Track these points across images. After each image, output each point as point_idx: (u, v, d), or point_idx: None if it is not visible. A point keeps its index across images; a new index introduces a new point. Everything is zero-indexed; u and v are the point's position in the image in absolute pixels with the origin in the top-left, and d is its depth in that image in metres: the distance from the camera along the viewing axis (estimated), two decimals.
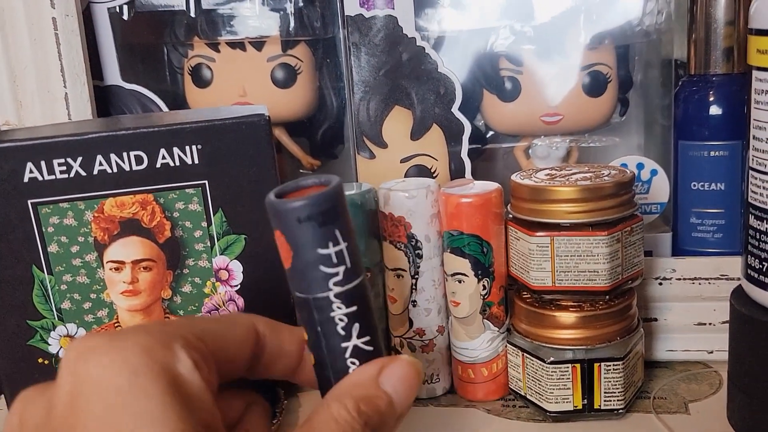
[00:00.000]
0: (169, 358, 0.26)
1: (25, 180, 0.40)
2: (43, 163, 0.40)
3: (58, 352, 0.44)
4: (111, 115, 0.56)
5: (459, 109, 0.53)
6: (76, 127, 0.45)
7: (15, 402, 0.27)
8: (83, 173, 0.41)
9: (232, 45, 0.56)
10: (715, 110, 0.49)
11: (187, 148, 0.41)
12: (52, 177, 0.41)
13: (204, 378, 0.26)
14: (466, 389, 0.47)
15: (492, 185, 0.44)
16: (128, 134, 0.41)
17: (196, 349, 0.27)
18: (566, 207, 0.41)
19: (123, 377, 0.24)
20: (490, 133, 0.57)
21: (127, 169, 0.41)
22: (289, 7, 0.55)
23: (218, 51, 0.56)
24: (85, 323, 0.43)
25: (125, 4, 0.55)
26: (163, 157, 0.41)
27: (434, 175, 0.54)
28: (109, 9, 0.55)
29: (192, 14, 0.55)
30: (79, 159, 0.41)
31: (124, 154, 0.41)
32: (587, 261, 0.41)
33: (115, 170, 0.41)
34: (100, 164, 0.41)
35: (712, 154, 0.50)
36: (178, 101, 0.58)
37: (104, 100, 0.56)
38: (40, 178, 0.40)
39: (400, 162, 0.54)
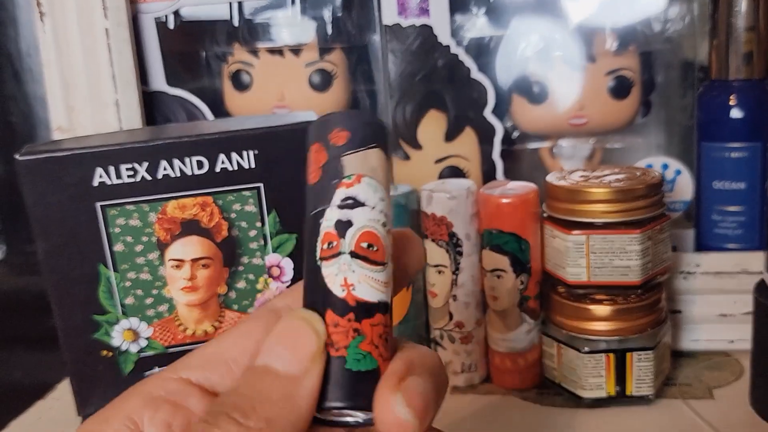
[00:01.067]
0: None
1: (95, 184, 0.43)
2: (111, 168, 0.43)
3: (120, 345, 0.46)
4: (156, 119, 0.59)
5: (492, 112, 0.55)
6: (130, 135, 0.48)
7: None
8: (149, 177, 0.43)
9: (271, 51, 0.58)
10: (735, 114, 0.52)
11: (245, 153, 0.44)
12: (120, 181, 0.43)
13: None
14: (503, 378, 0.49)
15: (529, 186, 0.47)
16: (191, 141, 0.43)
17: (170, 405, 0.25)
18: (601, 207, 0.43)
19: None
20: (516, 133, 0.60)
21: (189, 173, 0.44)
22: (327, 16, 0.58)
23: (258, 57, 0.59)
24: (147, 317, 0.46)
25: (171, 13, 0.57)
26: (222, 162, 0.44)
27: (466, 175, 0.56)
28: (155, 19, 0.57)
29: (234, 23, 0.58)
30: (145, 164, 0.43)
31: (187, 160, 0.43)
32: (621, 257, 0.44)
33: (178, 174, 0.44)
34: (165, 169, 0.43)
35: (733, 155, 0.52)
36: (217, 105, 0.60)
37: (150, 104, 0.58)
38: (109, 182, 0.43)
39: (435, 163, 0.56)
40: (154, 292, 0.46)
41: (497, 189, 0.47)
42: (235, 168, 0.44)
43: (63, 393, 0.52)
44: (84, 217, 0.44)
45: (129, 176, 0.43)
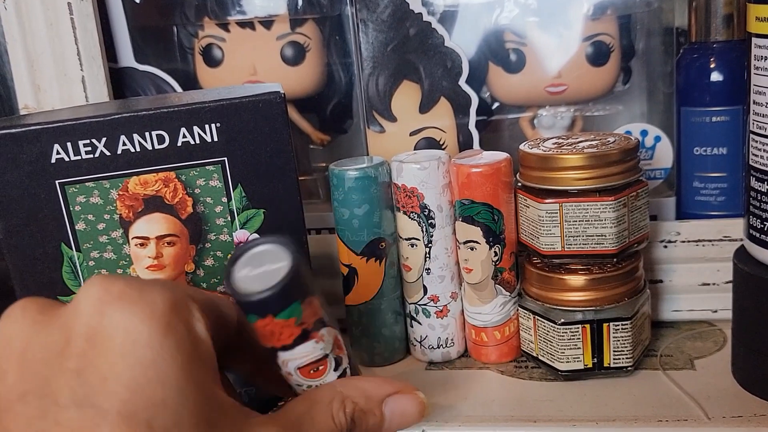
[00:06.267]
0: (190, 318, 0.27)
1: (53, 161, 0.42)
2: (69, 144, 0.42)
3: None
4: (126, 96, 0.58)
5: (466, 81, 0.54)
6: (96, 109, 0.47)
7: (14, 313, 0.27)
8: (108, 153, 0.42)
9: (242, 24, 0.57)
10: (716, 77, 0.51)
11: (207, 126, 0.43)
12: (78, 157, 0.42)
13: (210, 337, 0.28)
14: (479, 352, 0.48)
15: (501, 155, 0.46)
16: (150, 114, 0.42)
17: (202, 310, 0.28)
18: (574, 174, 0.42)
19: (153, 335, 0.25)
20: (496, 104, 0.59)
21: (150, 148, 0.43)
22: None
23: (228, 31, 0.57)
24: None
25: None
26: (184, 136, 0.43)
27: (443, 147, 0.55)
28: None
29: None
30: (104, 139, 0.42)
31: (147, 134, 0.42)
32: (595, 225, 0.42)
33: (138, 149, 0.42)
34: (124, 144, 0.42)
35: (713, 119, 0.51)
36: (189, 81, 0.59)
37: (119, 81, 0.57)
38: (67, 159, 0.42)
39: (410, 135, 0.55)
40: (119, 271, 0.45)
41: (469, 158, 0.46)
42: (198, 142, 0.43)
43: None
44: (43, 196, 0.43)
45: (87, 152, 0.42)
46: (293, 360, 0.34)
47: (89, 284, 0.27)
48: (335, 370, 0.35)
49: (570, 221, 0.43)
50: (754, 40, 0.38)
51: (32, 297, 0.28)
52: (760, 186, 0.39)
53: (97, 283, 0.27)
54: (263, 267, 0.32)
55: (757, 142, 0.39)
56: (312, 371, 0.35)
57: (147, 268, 0.45)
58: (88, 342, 0.25)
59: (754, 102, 0.38)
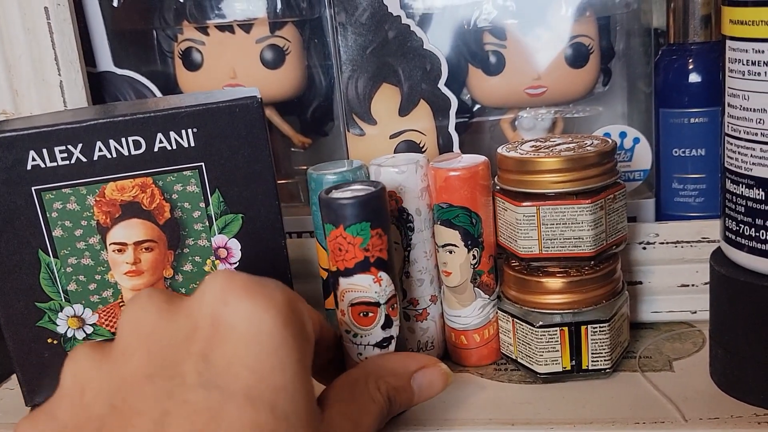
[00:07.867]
0: (302, 314, 0.29)
1: (28, 167, 0.42)
2: (45, 151, 0.42)
3: (66, 332, 0.45)
4: (105, 101, 0.57)
5: (445, 84, 0.54)
6: (74, 114, 0.47)
7: (141, 301, 0.30)
8: (84, 159, 0.42)
9: (221, 28, 0.57)
10: (694, 78, 0.51)
11: (183, 131, 0.43)
12: (54, 164, 0.42)
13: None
14: (459, 355, 0.48)
15: (479, 158, 0.46)
16: (126, 120, 0.42)
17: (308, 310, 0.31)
18: (551, 177, 0.42)
19: (276, 325, 0.27)
20: (477, 106, 0.59)
21: (126, 153, 0.42)
22: None
23: (207, 34, 0.57)
24: (91, 303, 0.45)
25: None
26: (160, 141, 0.43)
27: (423, 149, 0.55)
28: None
29: None
30: (80, 145, 0.42)
31: (123, 140, 0.42)
32: (572, 228, 0.42)
33: (114, 155, 0.42)
34: (100, 150, 0.42)
35: (692, 120, 0.51)
36: (169, 85, 0.59)
37: (98, 86, 0.57)
38: (43, 166, 0.42)
39: (390, 138, 0.55)
40: (98, 277, 0.45)
41: (447, 162, 0.46)
42: (174, 147, 0.43)
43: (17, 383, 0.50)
44: (20, 202, 0.42)
45: (63, 158, 0.42)
46: (350, 291, 0.37)
47: (213, 277, 0.29)
48: (383, 328, 0.38)
49: (547, 224, 0.43)
50: (728, 42, 0.38)
51: (157, 287, 0.30)
52: (735, 188, 0.39)
53: (220, 276, 0.29)
54: (353, 189, 0.38)
55: (731, 144, 0.39)
56: (362, 314, 0.38)
57: (125, 273, 0.45)
58: (213, 329, 0.27)
59: (728, 104, 0.38)
